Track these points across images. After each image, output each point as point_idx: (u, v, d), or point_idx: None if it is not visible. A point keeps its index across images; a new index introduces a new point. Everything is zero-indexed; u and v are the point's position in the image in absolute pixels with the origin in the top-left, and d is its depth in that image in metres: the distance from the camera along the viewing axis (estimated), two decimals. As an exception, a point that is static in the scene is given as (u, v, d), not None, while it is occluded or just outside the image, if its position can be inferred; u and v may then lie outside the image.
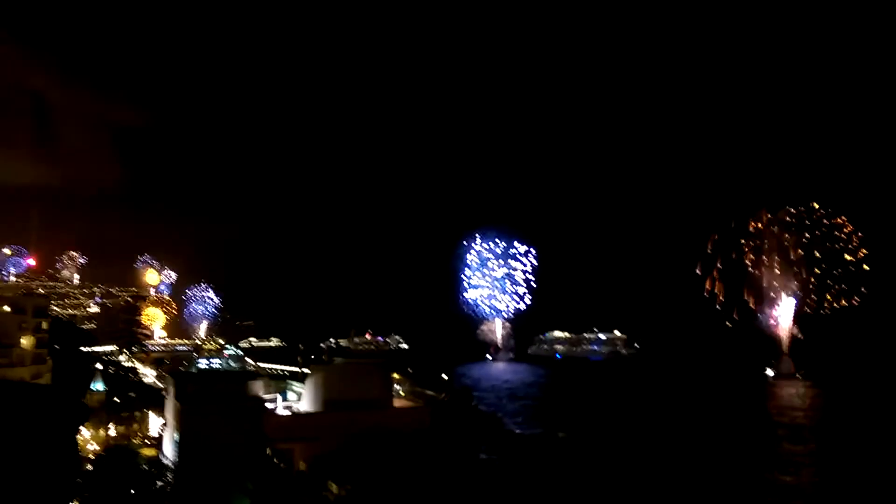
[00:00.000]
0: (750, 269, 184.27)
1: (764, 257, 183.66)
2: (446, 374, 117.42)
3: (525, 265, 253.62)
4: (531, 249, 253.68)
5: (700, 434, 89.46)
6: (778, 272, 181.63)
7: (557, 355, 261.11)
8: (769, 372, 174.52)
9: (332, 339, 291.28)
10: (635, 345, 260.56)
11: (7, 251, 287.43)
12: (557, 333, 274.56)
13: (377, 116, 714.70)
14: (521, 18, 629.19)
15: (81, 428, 55.60)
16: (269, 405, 56.81)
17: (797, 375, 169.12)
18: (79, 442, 50.33)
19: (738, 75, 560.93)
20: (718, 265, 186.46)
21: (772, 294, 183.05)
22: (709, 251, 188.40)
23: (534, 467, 65.58)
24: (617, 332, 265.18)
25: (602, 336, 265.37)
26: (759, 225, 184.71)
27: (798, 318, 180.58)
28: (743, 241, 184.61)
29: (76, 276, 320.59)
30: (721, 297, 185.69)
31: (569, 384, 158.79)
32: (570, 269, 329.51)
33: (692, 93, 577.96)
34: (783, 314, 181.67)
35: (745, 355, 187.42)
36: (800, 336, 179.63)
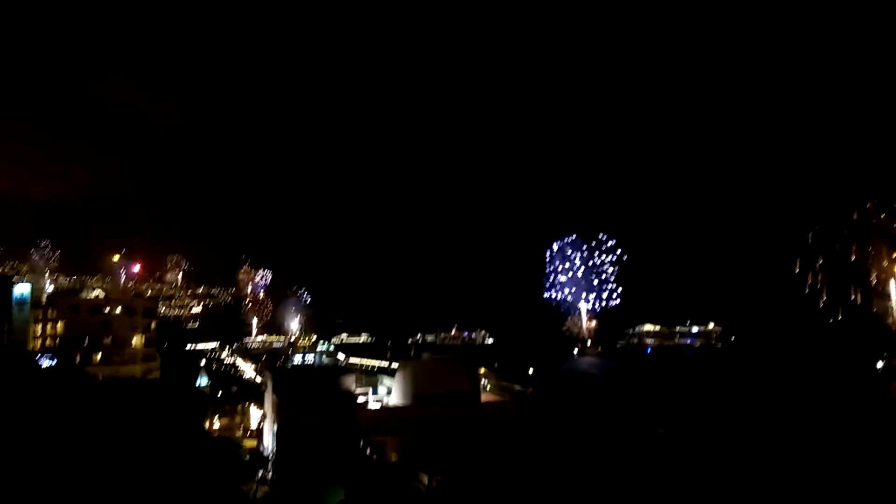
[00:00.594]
0: (855, 259, 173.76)
1: (871, 247, 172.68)
2: (533, 369, 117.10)
3: (612, 258, 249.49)
4: (617, 242, 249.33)
5: (805, 429, 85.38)
6: (887, 262, 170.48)
7: (647, 349, 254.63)
8: (880, 365, 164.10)
9: (419, 335, 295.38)
10: (731, 338, 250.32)
11: (117, 257, 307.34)
12: (648, 327, 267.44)
13: (462, 116, 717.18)
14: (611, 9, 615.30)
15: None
16: (360, 399, 58.62)
17: None
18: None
19: (835, 57, 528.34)
20: (821, 259, 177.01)
21: (881, 285, 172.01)
22: (809, 241, 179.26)
23: (628, 462, 64.56)
24: (711, 325, 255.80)
25: (695, 329, 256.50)
26: (865, 213, 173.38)
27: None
28: (847, 230, 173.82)
29: (180, 279, 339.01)
30: (824, 294, 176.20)
31: (661, 378, 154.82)
32: (660, 262, 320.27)
33: (790, 78, 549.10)
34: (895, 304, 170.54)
35: (852, 349, 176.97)
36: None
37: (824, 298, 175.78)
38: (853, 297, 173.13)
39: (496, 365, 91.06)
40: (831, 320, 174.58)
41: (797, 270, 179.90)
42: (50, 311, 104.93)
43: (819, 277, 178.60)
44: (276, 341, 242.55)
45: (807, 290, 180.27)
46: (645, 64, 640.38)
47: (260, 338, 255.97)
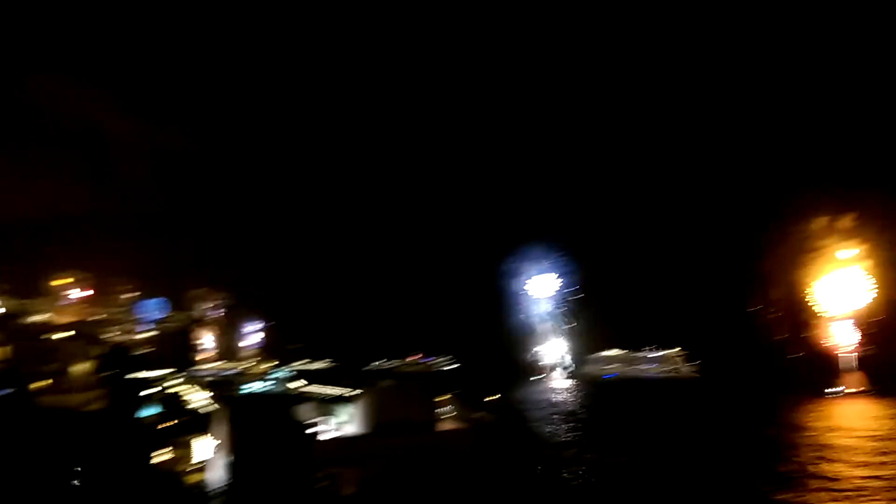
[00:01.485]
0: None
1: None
2: (496, 395, 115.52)
3: (576, 282, 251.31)
4: (582, 266, 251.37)
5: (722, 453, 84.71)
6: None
7: (612, 374, 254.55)
8: (834, 390, 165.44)
9: (381, 361, 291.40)
10: (696, 363, 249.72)
11: (65, 280, 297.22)
12: (612, 352, 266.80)
13: (416, 136, 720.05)
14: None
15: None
16: (317, 428, 56.54)
17: (870, 392, 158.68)
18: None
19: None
20: (771, 289, 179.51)
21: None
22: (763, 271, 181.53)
23: (591, 491, 63.33)
24: (676, 350, 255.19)
25: (660, 354, 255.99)
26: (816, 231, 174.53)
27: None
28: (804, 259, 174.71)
29: (129, 302, 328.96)
30: (778, 328, 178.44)
31: (623, 405, 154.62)
32: (626, 285, 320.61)
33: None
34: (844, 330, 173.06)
35: (818, 374, 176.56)
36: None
37: (784, 335, 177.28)
38: (806, 332, 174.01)
39: (458, 391, 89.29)
40: (794, 351, 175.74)
41: (752, 306, 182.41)
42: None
43: (772, 309, 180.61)
44: (231, 368, 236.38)
45: (760, 324, 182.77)
46: (604, 76, 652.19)
47: (212, 364, 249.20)
